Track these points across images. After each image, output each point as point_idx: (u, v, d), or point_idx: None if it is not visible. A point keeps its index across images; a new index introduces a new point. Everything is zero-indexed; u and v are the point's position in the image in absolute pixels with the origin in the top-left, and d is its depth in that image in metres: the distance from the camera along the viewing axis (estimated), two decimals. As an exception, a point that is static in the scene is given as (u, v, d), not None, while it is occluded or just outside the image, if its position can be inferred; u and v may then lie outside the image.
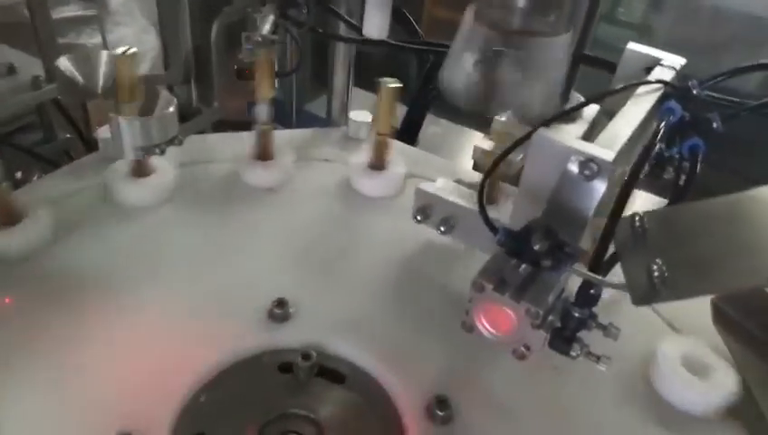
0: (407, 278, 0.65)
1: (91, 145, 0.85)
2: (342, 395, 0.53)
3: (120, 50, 0.60)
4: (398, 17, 0.83)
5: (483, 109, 0.63)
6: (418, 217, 0.65)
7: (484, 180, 0.51)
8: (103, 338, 0.53)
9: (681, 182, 0.54)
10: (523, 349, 0.50)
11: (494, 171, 0.53)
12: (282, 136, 0.80)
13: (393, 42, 0.70)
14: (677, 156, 0.55)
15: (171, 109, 0.58)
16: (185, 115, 0.97)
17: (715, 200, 0.49)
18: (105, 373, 0.50)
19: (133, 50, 0.59)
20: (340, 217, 0.72)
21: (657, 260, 0.43)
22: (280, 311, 0.57)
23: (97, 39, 1.32)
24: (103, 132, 0.72)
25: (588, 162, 0.46)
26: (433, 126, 1.34)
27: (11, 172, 0.78)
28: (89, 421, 0.47)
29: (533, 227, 0.45)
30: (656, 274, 0.43)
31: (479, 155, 0.68)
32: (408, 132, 1.01)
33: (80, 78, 0.62)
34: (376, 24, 0.62)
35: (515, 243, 0.45)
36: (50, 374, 0.50)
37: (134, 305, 0.56)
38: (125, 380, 0.50)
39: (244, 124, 0.78)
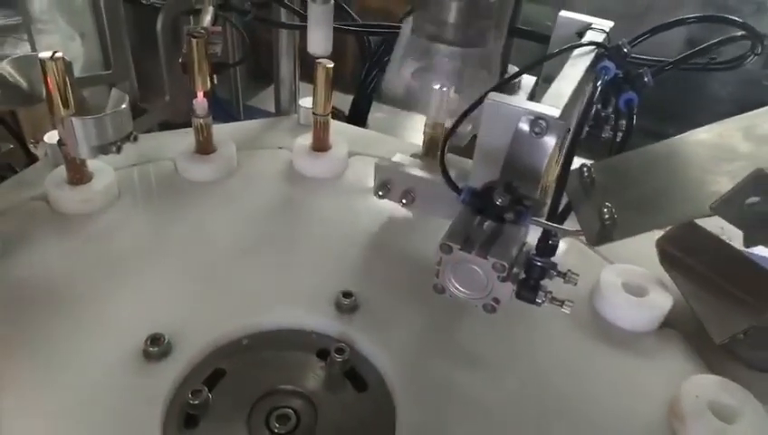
0: (362, 250, 0.66)
1: (32, 155, 0.82)
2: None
3: (47, 54, 0.57)
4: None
5: (421, 110, 0.66)
6: (380, 193, 0.67)
7: (444, 143, 0.53)
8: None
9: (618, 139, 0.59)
10: (492, 303, 0.53)
11: (452, 134, 0.56)
12: (235, 127, 0.80)
13: (334, 24, 0.71)
14: (612, 115, 0.60)
15: (124, 106, 0.58)
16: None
17: (653, 146, 0.54)
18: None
19: (59, 54, 0.56)
20: (286, 199, 0.72)
21: (607, 204, 0.47)
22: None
23: (23, 48, 1.27)
24: (49, 138, 0.70)
25: (537, 120, 0.49)
26: (379, 112, 1.37)
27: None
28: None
29: (494, 185, 0.48)
30: (606, 216, 0.47)
31: (429, 130, 0.70)
32: (357, 117, 1.03)
33: (23, 83, 0.60)
34: (317, 41, 0.64)
35: (478, 200, 0.48)
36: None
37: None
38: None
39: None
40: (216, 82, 0.71)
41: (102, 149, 0.58)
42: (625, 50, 0.60)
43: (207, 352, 0.54)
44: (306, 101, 0.84)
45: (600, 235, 0.47)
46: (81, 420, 0.47)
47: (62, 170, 0.66)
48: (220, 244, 0.65)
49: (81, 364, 0.51)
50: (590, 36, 0.66)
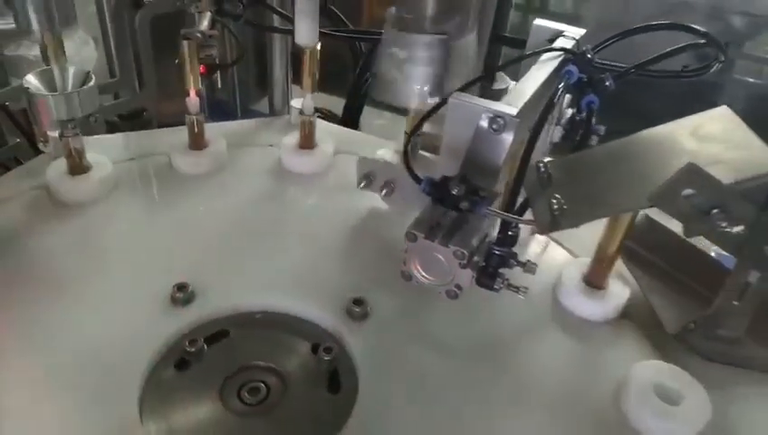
0: (341, 238, 0.70)
1: (38, 149, 0.87)
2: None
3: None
4: (328, 14, 0.89)
5: (404, 100, 0.69)
6: (362, 184, 0.71)
7: (409, 137, 0.57)
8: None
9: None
10: (454, 289, 0.56)
11: (419, 128, 0.59)
12: (229, 126, 0.85)
13: (325, 30, 0.75)
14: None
15: (90, 84, 0.63)
16: (134, 114, 1.01)
17: (609, 144, 0.57)
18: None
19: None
20: (273, 193, 0.77)
21: (556, 195, 0.51)
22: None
23: (36, 51, 1.33)
24: (52, 132, 0.75)
25: (495, 118, 0.53)
26: (380, 119, 1.42)
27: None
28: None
29: (451, 176, 0.51)
30: (555, 207, 0.50)
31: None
32: (349, 121, 1.07)
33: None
34: (304, 32, 0.68)
35: (437, 190, 0.52)
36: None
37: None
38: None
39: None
40: (219, 85, 0.76)
41: (67, 124, 0.63)
42: (589, 55, 0.64)
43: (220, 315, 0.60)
44: (297, 102, 0.88)
45: (549, 223, 0.50)
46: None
47: (61, 161, 0.71)
48: (215, 228, 0.69)
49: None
50: (560, 43, 0.70)
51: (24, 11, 0.70)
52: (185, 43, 0.68)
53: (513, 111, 0.53)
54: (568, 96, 0.67)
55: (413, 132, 0.58)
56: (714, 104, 0.57)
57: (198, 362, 0.55)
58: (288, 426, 0.52)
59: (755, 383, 0.56)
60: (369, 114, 1.10)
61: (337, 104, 1.08)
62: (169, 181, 0.76)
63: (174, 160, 0.78)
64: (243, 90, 1.34)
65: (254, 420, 0.52)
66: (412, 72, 0.67)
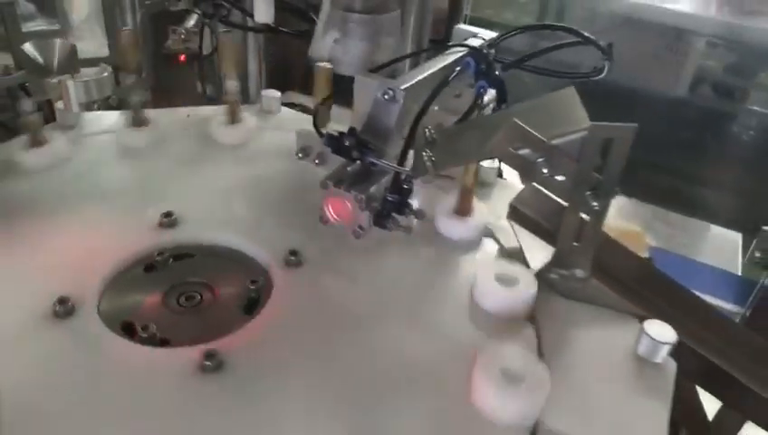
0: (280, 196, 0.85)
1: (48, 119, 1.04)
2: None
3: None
4: (301, 15, 1.06)
5: (344, 71, 0.85)
6: (299, 155, 0.85)
7: (317, 105, 0.72)
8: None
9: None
10: (358, 229, 0.70)
11: (329, 97, 0.74)
12: (206, 111, 1.01)
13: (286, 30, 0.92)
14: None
15: (105, 74, 0.80)
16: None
17: (485, 117, 0.71)
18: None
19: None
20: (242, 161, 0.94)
21: (428, 151, 0.65)
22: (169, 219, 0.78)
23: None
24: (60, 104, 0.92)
25: (387, 90, 0.67)
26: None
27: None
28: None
29: (344, 132, 0.66)
30: (426, 159, 0.64)
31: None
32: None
33: (41, 60, 0.82)
34: (262, 10, 0.84)
35: (334, 143, 0.66)
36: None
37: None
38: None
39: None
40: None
41: (87, 106, 0.79)
42: (485, 51, 0.78)
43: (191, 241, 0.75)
44: (268, 92, 1.04)
45: (419, 169, 0.64)
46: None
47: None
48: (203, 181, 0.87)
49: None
50: (471, 42, 0.84)
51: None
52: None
53: (403, 85, 0.67)
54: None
55: (322, 102, 0.73)
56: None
57: (161, 271, 0.71)
58: (205, 324, 0.65)
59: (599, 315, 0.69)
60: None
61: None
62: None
63: (213, 132, 0.96)
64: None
65: (180, 317, 0.66)
66: (347, 45, 0.83)
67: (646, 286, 0.71)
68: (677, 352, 0.63)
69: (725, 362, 0.69)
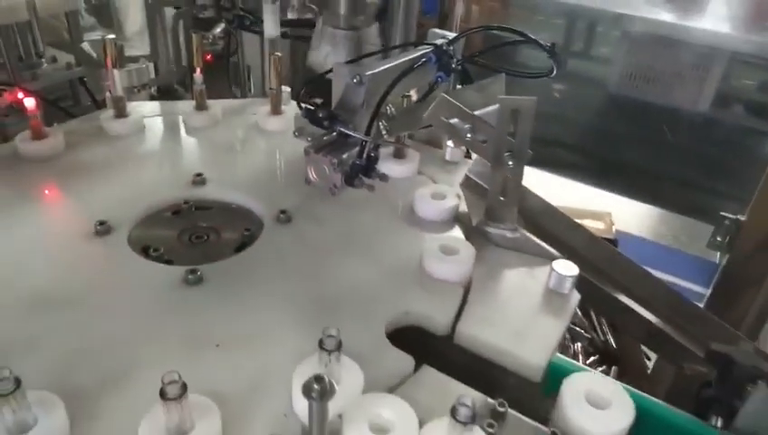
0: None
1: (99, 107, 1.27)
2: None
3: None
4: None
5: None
6: (296, 133, 1.04)
7: (301, 87, 0.91)
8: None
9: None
10: (332, 188, 0.88)
11: (311, 81, 0.93)
12: (227, 102, 1.21)
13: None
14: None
15: (144, 65, 1.01)
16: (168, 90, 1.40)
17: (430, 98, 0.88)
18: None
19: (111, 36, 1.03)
20: (252, 140, 1.14)
21: (383, 121, 0.82)
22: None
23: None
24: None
25: (356, 75, 0.85)
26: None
27: (51, 122, 1.19)
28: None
29: (319, 106, 0.84)
30: (382, 127, 0.82)
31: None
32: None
33: (94, 54, 1.04)
34: (270, 26, 1.04)
35: (311, 115, 0.84)
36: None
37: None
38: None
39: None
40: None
41: (130, 91, 1.00)
42: (444, 48, 0.95)
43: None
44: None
45: (377, 136, 0.82)
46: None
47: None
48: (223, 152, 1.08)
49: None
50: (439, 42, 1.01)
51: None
52: (195, 37, 1.05)
53: (368, 72, 0.85)
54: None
55: (305, 85, 0.91)
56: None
57: (184, 216, 0.91)
58: (203, 255, 0.84)
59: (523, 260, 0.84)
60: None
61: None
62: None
63: (259, 121, 1.17)
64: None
65: (186, 248, 0.85)
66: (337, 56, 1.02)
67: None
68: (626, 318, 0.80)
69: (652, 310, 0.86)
